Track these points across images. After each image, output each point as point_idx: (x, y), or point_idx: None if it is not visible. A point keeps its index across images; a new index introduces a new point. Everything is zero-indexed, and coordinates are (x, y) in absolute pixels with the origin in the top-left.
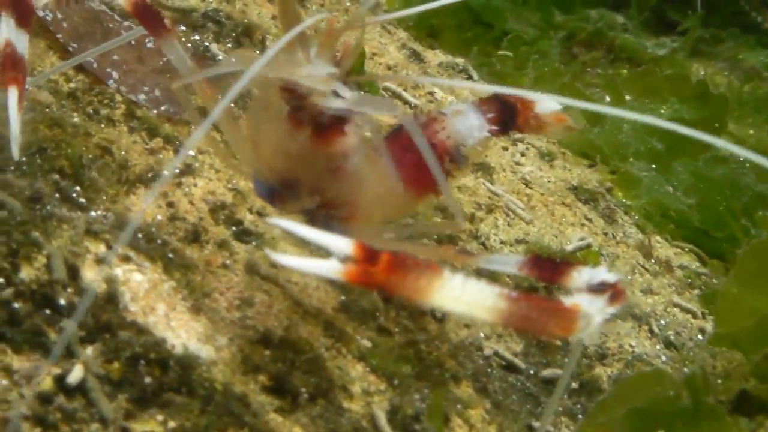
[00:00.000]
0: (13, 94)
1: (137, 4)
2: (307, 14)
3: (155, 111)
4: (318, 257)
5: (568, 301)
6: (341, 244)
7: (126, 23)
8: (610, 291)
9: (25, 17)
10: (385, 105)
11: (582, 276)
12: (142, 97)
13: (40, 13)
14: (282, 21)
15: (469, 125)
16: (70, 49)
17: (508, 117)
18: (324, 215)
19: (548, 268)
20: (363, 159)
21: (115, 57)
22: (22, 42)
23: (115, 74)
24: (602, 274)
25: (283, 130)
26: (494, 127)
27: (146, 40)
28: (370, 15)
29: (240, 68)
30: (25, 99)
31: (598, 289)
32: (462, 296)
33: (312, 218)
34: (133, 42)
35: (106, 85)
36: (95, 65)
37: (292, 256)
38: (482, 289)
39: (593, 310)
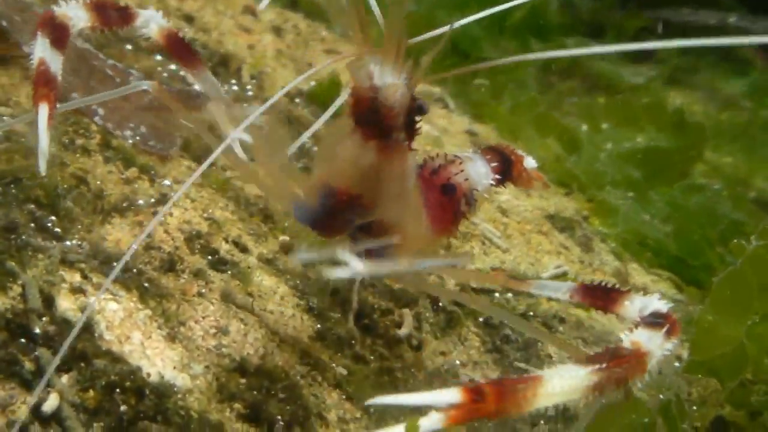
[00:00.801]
0: (43, 110)
1: (170, 36)
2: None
3: (142, 147)
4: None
5: (627, 339)
6: (449, 395)
7: (110, 62)
8: (667, 324)
9: (60, 39)
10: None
11: (634, 305)
12: (128, 133)
13: (24, 49)
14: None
15: (479, 172)
16: None
17: (506, 168)
18: (369, 241)
19: (600, 296)
20: (413, 185)
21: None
22: (55, 62)
23: (101, 111)
24: (654, 303)
25: (350, 144)
26: (497, 176)
27: (129, 78)
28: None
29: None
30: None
31: (653, 322)
32: (562, 390)
33: (357, 244)
34: (117, 80)
35: (92, 121)
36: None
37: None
38: (575, 375)
39: (653, 347)
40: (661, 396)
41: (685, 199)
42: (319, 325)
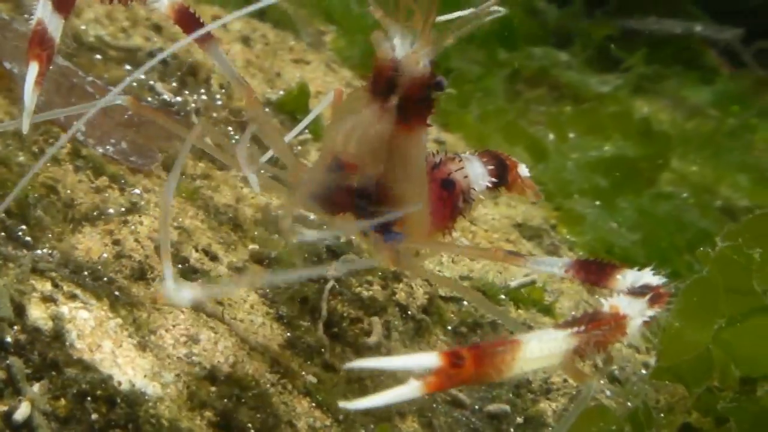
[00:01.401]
0: (33, 68)
1: (180, 11)
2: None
3: (123, 163)
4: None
5: (607, 304)
6: (428, 359)
7: (89, 78)
8: (651, 294)
9: (64, 3)
10: None
11: (626, 279)
12: (109, 149)
13: (7, 66)
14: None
15: (476, 172)
16: None
17: (502, 172)
18: (377, 214)
19: (594, 270)
20: (424, 165)
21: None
22: (54, 25)
23: (82, 127)
24: (646, 277)
25: (366, 117)
26: (493, 180)
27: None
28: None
29: None
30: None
31: (637, 291)
32: (541, 354)
33: (365, 216)
34: (97, 96)
35: (79, 142)
36: (62, 119)
37: (374, 396)
38: (554, 338)
39: (632, 311)
40: (628, 403)
41: (652, 207)
42: (288, 334)
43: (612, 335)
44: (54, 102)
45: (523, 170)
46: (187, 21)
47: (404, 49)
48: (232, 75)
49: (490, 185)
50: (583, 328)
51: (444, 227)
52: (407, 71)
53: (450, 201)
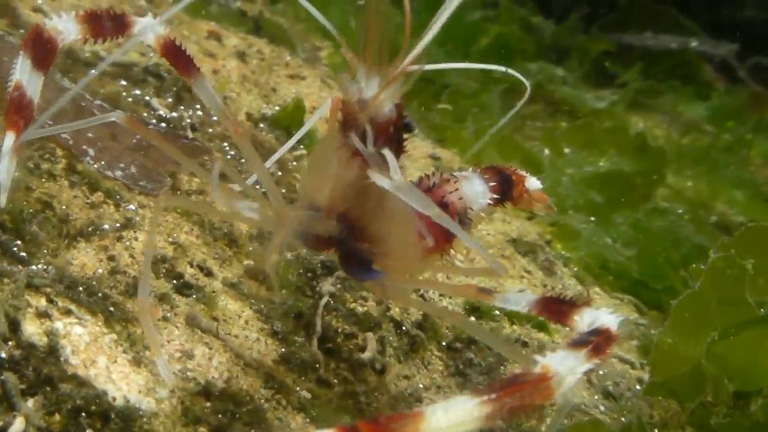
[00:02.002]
0: (9, 138)
1: (166, 44)
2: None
3: (133, 187)
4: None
5: (541, 362)
6: None
7: (97, 102)
8: (594, 342)
9: (45, 58)
10: (420, 201)
11: (583, 319)
12: (118, 173)
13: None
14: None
15: (475, 191)
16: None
17: (506, 188)
18: (359, 252)
19: (554, 310)
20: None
21: (90, 134)
22: (33, 85)
23: (90, 151)
24: (603, 316)
25: (338, 159)
26: (495, 196)
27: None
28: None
29: None
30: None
31: (579, 341)
32: (449, 424)
33: (346, 254)
34: None
35: (81, 161)
36: (71, 142)
37: None
38: (463, 407)
39: (563, 369)
40: (623, 419)
41: (648, 223)
42: (283, 349)
43: (534, 399)
44: (61, 125)
45: (533, 183)
46: (174, 54)
47: (371, 91)
48: (217, 108)
49: (491, 202)
50: (496, 395)
51: (440, 250)
52: (373, 114)
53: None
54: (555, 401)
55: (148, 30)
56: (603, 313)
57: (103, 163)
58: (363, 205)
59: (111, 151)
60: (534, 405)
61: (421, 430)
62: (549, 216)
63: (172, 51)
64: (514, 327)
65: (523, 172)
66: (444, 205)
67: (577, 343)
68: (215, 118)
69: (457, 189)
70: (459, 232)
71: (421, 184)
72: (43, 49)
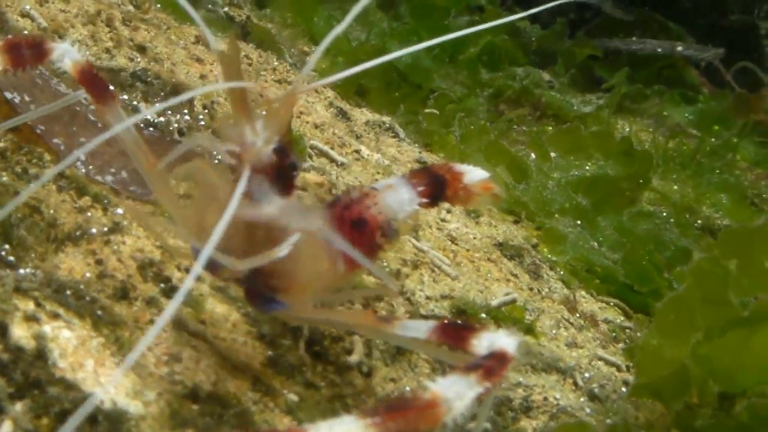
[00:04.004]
0: None
1: (83, 71)
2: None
3: (123, 192)
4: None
5: (431, 388)
6: None
7: (92, 107)
8: (486, 366)
9: None
10: (305, 218)
11: (482, 342)
12: (109, 178)
13: (8, 95)
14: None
15: (400, 200)
16: (38, 130)
17: (438, 189)
18: (261, 285)
19: (452, 335)
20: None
21: (83, 139)
22: None
23: (82, 156)
24: (500, 339)
25: (225, 199)
26: (424, 200)
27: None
28: (305, 80)
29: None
30: None
31: (473, 365)
32: None
33: (249, 288)
34: (99, 125)
35: (74, 167)
36: (63, 147)
37: None
38: (348, 427)
39: (451, 394)
40: (608, 420)
41: (633, 226)
42: (270, 352)
43: (419, 425)
44: (54, 130)
45: (476, 174)
46: (90, 80)
47: (250, 137)
48: (131, 140)
49: (419, 207)
50: (380, 418)
51: (360, 266)
52: (255, 160)
53: (363, 241)
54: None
55: (66, 56)
56: (501, 336)
57: (92, 168)
58: (256, 243)
59: (103, 155)
60: (420, 430)
61: None
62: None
63: (88, 77)
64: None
65: (462, 167)
66: (361, 222)
67: (469, 368)
68: (203, 123)
69: (376, 203)
70: (350, 250)
71: (339, 202)
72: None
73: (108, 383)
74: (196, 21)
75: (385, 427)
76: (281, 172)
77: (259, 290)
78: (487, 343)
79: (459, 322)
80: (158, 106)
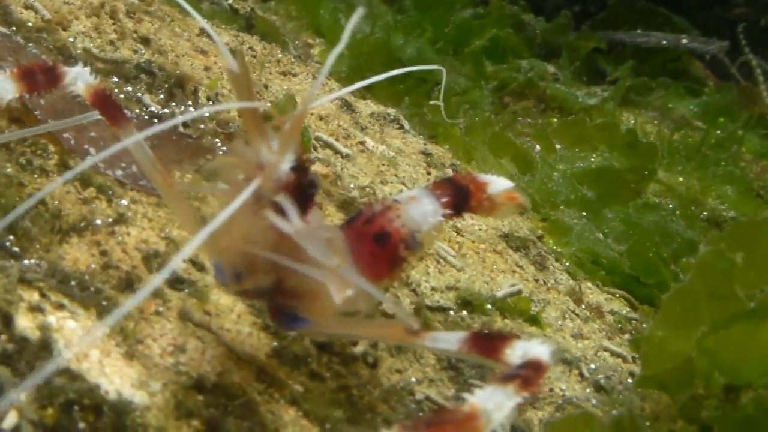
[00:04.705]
0: None
1: (96, 93)
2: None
3: (132, 186)
4: None
5: (469, 400)
6: None
7: None
8: (523, 375)
9: None
10: (325, 253)
11: (515, 352)
12: (119, 172)
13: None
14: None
15: (423, 211)
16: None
17: (461, 200)
18: (283, 305)
19: (485, 346)
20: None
21: (93, 134)
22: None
23: (92, 150)
24: (534, 348)
25: (247, 216)
26: (448, 211)
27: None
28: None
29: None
30: None
31: (507, 376)
32: None
33: (272, 307)
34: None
35: (73, 157)
36: (73, 141)
37: None
38: None
39: (490, 406)
40: (614, 411)
41: (639, 218)
42: (275, 343)
43: None
44: (66, 126)
45: (501, 185)
46: (103, 103)
47: (268, 155)
48: (146, 159)
49: (443, 219)
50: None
51: (384, 279)
52: (273, 177)
53: (385, 255)
54: None
55: (79, 79)
56: (534, 345)
57: (104, 162)
58: (278, 262)
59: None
60: None
61: None
62: (539, 212)
63: (101, 99)
64: (506, 321)
65: (486, 178)
66: (383, 236)
67: (506, 378)
68: (207, 114)
69: (399, 216)
70: (364, 284)
71: (361, 216)
72: None
73: (80, 344)
74: (214, 40)
75: None
76: (301, 190)
77: (281, 308)
78: (521, 352)
79: (490, 332)
80: (180, 119)
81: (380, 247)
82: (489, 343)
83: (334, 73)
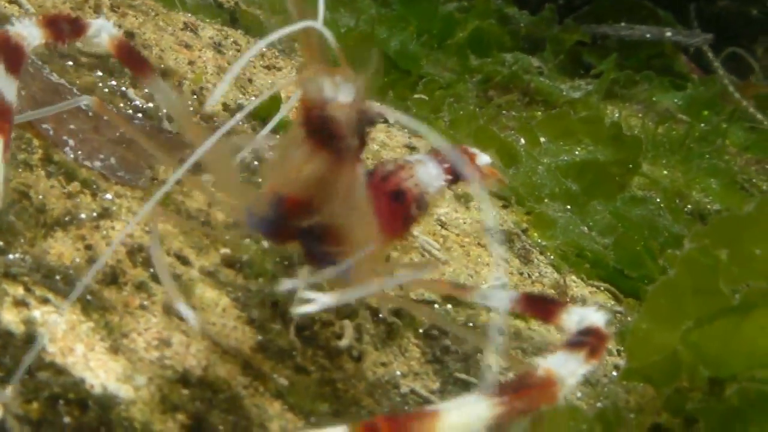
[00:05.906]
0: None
1: (120, 45)
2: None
3: (111, 177)
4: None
5: (541, 365)
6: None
7: (80, 95)
8: (590, 344)
9: (16, 63)
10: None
11: (572, 317)
12: (97, 164)
13: None
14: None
15: (430, 174)
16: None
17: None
18: (321, 250)
19: (540, 307)
20: (363, 193)
21: (72, 126)
22: (10, 89)
23: (71, 142)
24: (591, 315)
25: (301, 154)
26: (449, 177)
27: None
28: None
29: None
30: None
31: (576, 342)
32: (461, 423)
33: (309, 252)
34: (90, 114)
35: (63, 152)
36: (52, 132)
37: None
38: (476, 408)
39: (566, 373)
40: (598, 404)
41: (624, 212)
42: (260, 337)
43: (539, 402)
44: (45, 118)
45: (483, 159)
46: (128, 54)
47: (332, 88)
48: (175, 108)
49: (445, 183)
50: (507, 398)
51: (398, 236)
52: (336, 110)
53: (402, 212)
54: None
55: (102, 31)
56: (590, 312)
57: (80, 153)
58: (327, 199)
59: (92, 142)
60: (537, 408)
61: (437, 428)
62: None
63: (126, 51)
64: (492, 314)
65: (474, 150)
66: (401, 193)
67: (574, 345)
68: (191, 108)
69: (412, 175)
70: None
71: (376, 173)
72: (13, 56)
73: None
74: None
75: (511, 406)
76: (360, 128)
77: (317, 252)
78: (578, 318)
79: (544, 295)
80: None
81: (397, 203)
82: (544, 306)
83: None
